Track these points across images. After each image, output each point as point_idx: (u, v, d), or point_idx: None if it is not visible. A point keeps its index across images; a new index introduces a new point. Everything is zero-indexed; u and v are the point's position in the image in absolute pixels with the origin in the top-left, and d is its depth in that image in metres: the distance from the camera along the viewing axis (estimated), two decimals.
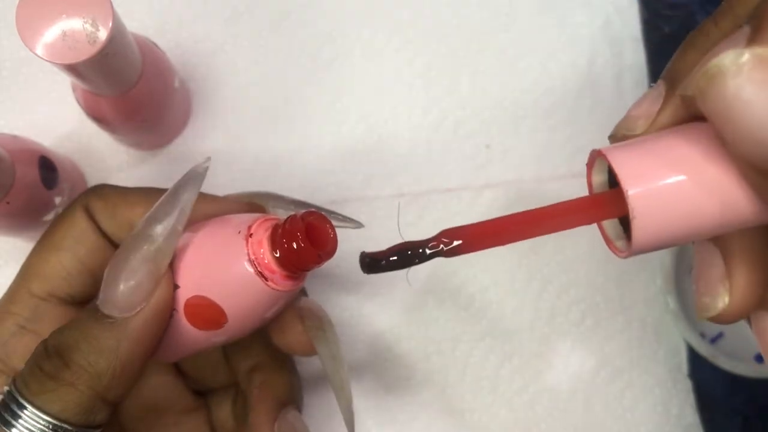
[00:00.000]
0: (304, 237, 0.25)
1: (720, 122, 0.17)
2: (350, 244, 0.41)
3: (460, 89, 0.42)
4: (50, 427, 0.24)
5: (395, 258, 0.21)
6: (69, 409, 0.24)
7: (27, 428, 0.24)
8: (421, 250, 0.21)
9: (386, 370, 0.41)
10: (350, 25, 0.42)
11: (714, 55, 0.18)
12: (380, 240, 0.41)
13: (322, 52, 0.42)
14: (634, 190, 0.19)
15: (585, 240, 0.41)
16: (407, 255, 0.21)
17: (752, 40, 0.17)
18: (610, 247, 0.22)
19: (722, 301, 0.22)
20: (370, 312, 0.41)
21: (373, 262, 0.21)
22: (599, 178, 0.22)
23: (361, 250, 0.42)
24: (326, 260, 0.26)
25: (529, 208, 0.43)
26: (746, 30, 0.18)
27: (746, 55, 0.17)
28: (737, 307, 0.22)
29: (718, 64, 0.17)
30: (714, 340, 0.40)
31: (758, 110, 0.17)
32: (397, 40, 0.42)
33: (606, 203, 0.21)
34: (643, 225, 0.19)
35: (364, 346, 0.41)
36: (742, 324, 0.41)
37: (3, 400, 0.25)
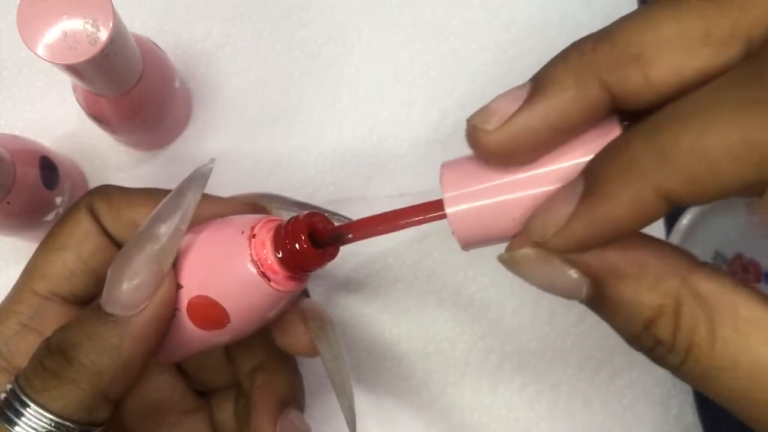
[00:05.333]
0: (306, 238, 0.25)
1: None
2: (350, 245, 0.41)
3: (460, 89, 0.42)
4: (53, 424, 0.24)
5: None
6: (71, 406, 0.24)
7: (30, 426, 0.24)
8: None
9: (386, 370, 0.41)
10: (350, 25, 0.42)
11: (549, 215, 0.21)
12: (379, 240, 0.41)
13: (322, 52, 0.42)
14: (450, 209, 0.23)
15: None
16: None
17: (584, 201, 0.20)
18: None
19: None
20: (370, 312, 0.41)
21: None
22: None
23: (360, 252, 0.42)
24: (329, 261, 0.26)
25: None
26: (580, 188, 0.20)
27: (513, 257, 0.22)
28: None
29: (502, 259, 0.23)
30: None
31: (540, 285, 0.22)
32: (397, 40, 0.43)
33: (441, 209, 0.24)
34: (459, 233, 0.23)
35: (364, 346, 0.41)
36: None
37: (6, 398, 0.25)
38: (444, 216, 0.24)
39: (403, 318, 0.41)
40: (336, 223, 0.27)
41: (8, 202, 0.33)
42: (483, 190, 0.23)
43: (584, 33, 0.46)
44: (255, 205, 0.30)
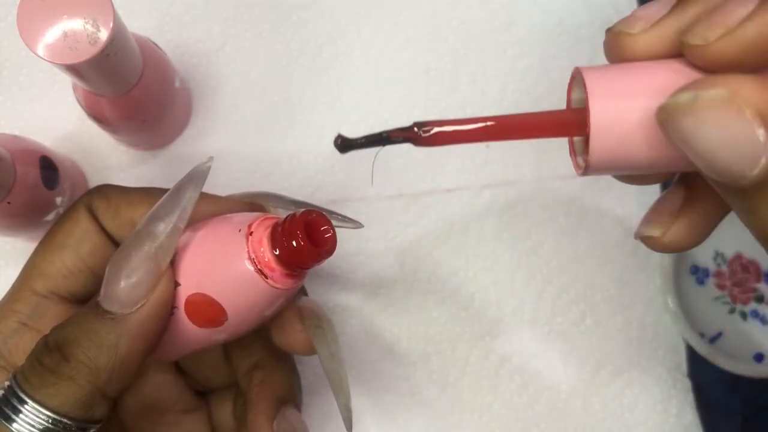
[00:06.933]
0: (303, 235, 0.25)
1: (679, 146, 0.20)
2: (350, 245, 0.41)
3: (460, 89, 0.42)
4: (50, 421, 0.24)
5: (368, 137, 0.22)
6: (68, 403, 0.24)
7: (28, 423, 0.24)
8: (392, 134, 0.22)
9: (386, 370, 0.41)
10: (350, 25, 0.42)
11: (720, 16, 0.19)
12: (380, 240, 0.41)
13: (322, 52, 0.42)
14: (596, 105, 0.20)
15: (584, 239, 0.42)
16: (380, 135, 0.22)
17: (765, 2, 0.19)
18: (573, 162, 0.24)
19: (659, 231, 0.25)
20: (370, 312, 0.41)
21: (346, 141, 0.23)
22: (577, 96, 0.23)
23: (360, 251, 0.42)
24: (326, 258, 0.26)
25: (529, 207, 0.43)
26: None
27: (700, 96, 0.19)
28: (669, 242, 0.25)
29: (675, 102, 0.19)
30: (713, 340, 0.40)
31: (710, 145, 0.19)
32: (397, 40, 0.43)
33: (573, 119, 0.22)
34: (598, 142, 0.21)
35: (364, 346, 0.41)
36: (742, 324, 0.41)
37: (4, 395, 0.25)
38: (571, 130, 0.21)
39: (403, 318, 0.41)
40: (334, 223, 0.27)
41: (8, 202, 0.33)
42: (634, 90, 0.21)
43: (584, 33, 0.47)
44: (252, 203, 0.30)
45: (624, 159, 0.21)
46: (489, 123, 0.21)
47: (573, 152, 0.24)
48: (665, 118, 0.20)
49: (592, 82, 0.21)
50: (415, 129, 0.22)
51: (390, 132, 0.22)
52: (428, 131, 0.22)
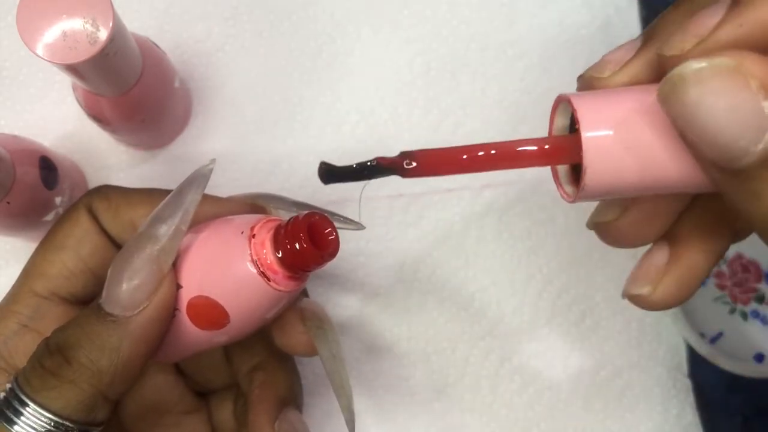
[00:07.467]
0: (306, 238, 0.25)
1: (681, 125, 0.19)
2: (350, 245, 0.41)
3: (460, 89, 0.42)
4: (52, 424, 0.24)
5: (353, 168, 0.22)
6: (70, 406, 0.24)
7: (29, 425, 0.24)
8: (377, 165, 0.22)
9: (386, 370, 0.41)
10: (350, 25, 0.42)
11: (693, 27, 0.20)
12: (380, 240, 0.41)
13: (322, 52, 0.42)
14: (589, 133, 0.20)
15: (584, 239, 0.41)
16: (365, 166, 0.22)
17: (733, 9, 0.19)
18: (559, 191, 0.23)
19: (647, 289, 0.25)
20: (370, 312, 0.41)
21: (331, 171, 0.22)
22: (561, 123, 0.23)
23: (360, 252, 0.42)
24: (328, 261, 0.26)
25: (529, 207, 0.43)
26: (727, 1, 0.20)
27: (706, 65, 0.18)
28: (658, 300, 0.25)
29: (680, 73, 0.19)
30: (713, 340, 0.40)
31: (715, 117, 0.18)
32: (397, 40, 0.43)
33: (563, 146, 0.21)
34: (593, 166, 0.20)
35: (364, 346, 0.41)
36: (742, 324, 0.41)
37: (5, 397, 0.25)
38: (555, 159, 0.21)
39: (403, 318, 0.41)
40: (336, 224, 0.26)
41: (8, 202, 0.33)
42: (623, 112, 0.20)
43: (584, 33, 0.47)
44: (254, 205, 0.30)
45: (617, 182, 0.21)
46: (478, 153, 0.21)
47: (558, 181, 0.24)
48: (670, 90, 0.19)
49: (580, 106, 0.21)
50: (399, 163, 0.22)
51: (377, 159, 0.22)
52: (410, 164, 0.21)
